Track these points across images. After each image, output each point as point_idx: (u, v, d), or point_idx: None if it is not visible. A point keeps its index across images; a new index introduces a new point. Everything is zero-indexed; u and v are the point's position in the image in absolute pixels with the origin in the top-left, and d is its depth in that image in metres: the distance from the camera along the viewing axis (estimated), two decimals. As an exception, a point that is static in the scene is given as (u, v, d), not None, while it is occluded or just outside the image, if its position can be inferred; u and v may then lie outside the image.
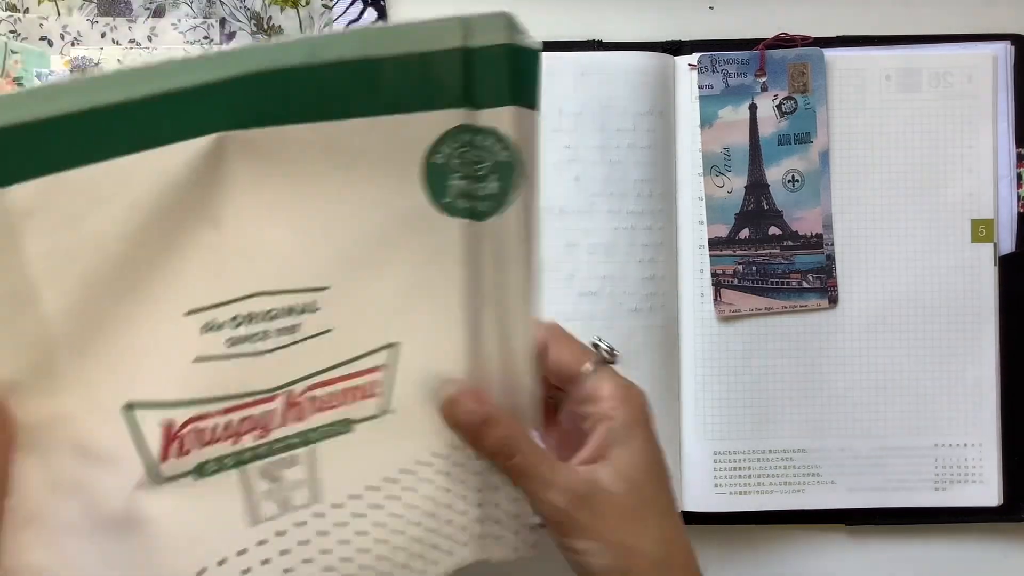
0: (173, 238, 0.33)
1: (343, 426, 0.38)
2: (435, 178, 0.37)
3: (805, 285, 0.59)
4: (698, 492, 0.59)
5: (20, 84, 0.56)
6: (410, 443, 0.40)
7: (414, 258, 0.37)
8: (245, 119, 0.33)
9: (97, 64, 0.56)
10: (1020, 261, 0.59)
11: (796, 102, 0.59)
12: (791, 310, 0.59)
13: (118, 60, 0.56)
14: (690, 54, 0.59)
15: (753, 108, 0.59)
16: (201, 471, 0.36)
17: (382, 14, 0.60)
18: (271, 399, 0.36)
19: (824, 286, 0.59)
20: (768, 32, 0.59)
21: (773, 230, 0.59)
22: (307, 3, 0.58)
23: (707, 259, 0.59)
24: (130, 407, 0.34)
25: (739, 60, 0.59)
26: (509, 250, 0.38)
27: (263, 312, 0.35)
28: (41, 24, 0.57)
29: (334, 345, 0.37)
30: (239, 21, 0.58)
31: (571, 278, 0.58)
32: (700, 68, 0.59)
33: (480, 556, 0.42)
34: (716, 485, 0.59)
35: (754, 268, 0.59)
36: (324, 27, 0.60)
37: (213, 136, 0.32)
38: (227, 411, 0.35)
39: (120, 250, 0.32)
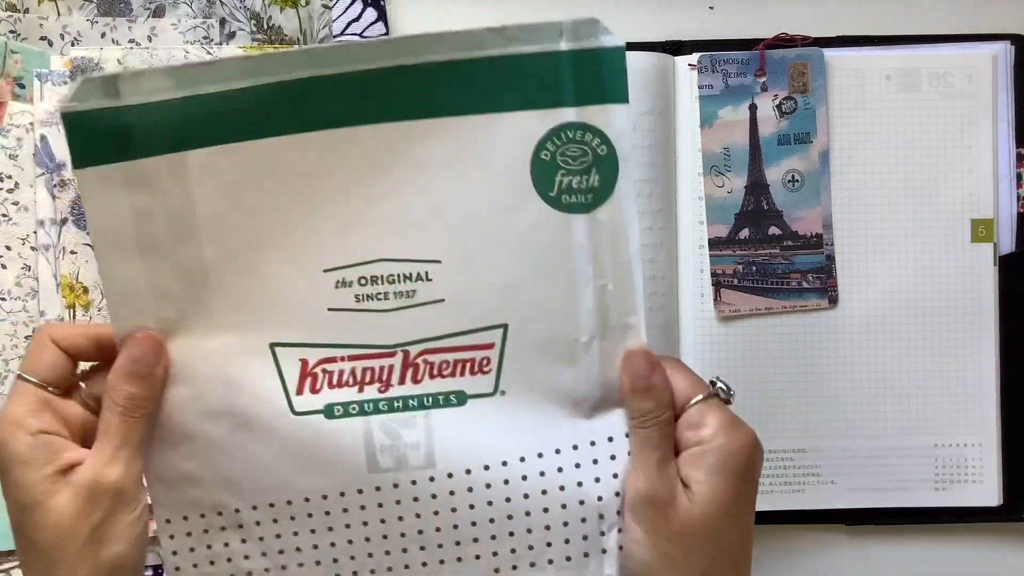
0: (317, 208, 0.41)
1: (458, 397, 0.43)
2: (542, 173, 0.41)
3: (805, 285, 0.59)
4: (698, 492, 0.59)
5: (20, 84, 0.56)
6: (520, 432, 0.43)
7: (522, 247, 0.42)
8: (395, 112, 0.40)
9: (97, 64, 0.56)
10: (1020, 261, 0.59)
11: (796, 102, 0.59)
12: (791, 310, 0.59)
13: (118, 60, 0.56)
14: (690, 54, 0.59)
15: (753, 108, 0.59)
16: (330, 412, 0.42)
17: (382, 14, 0.60)
18: (390, 355, 0.42)
19: (824, 286, 0.59)
20: (768, 32, 0.59)
21: (773, 230, 0.59)
22: (307, 3, 0.58)
23: (707, 259, 0.59)
24: (274, 346, 0.41)
25: (739, 60, 0.59)
26: (612, 241, 0.42)
27: (384, 276, 0.41)
28: (41, 24, 0.57)
29: (445, 315, 0.42)
30: (239, 21, 0.58)
31: (571, 278, 0.58)
32: (700, 68, 0.59)
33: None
34: (716, 485, 0.59)
35: (754, 268, 0.59)
36: (323, 27, 0.60)
37: (363, 127, 0.40)
38: (352, 358, 0.42)
39: (272, 215, 0.40)
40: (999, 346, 0.59)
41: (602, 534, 0.43)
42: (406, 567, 0.43)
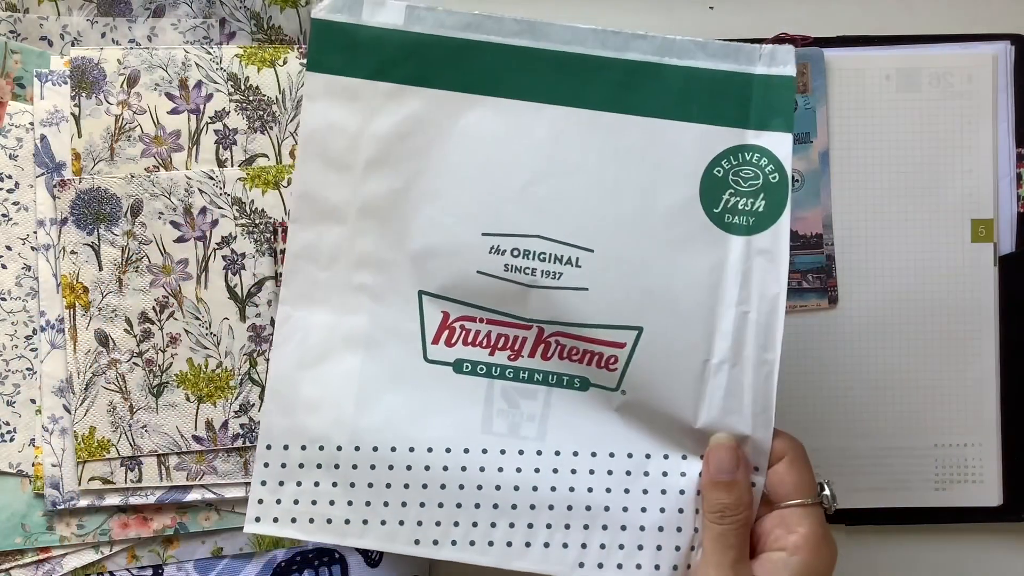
0: (492, 173, 0.43)
1: (581, 383, 0.43)
2: (711, 188, 0.42)
3: (805, 285, 0.59)
4: (698, 492, 0.59)
5: (20, 84, 0.56)
6: (634, 430, 0.43)
7: (676, 256, 0.42)
8: (588, 99, 0.42)
9: (97, 64, 0.56)
10: (1020, 261, 0.59)
11: (796, 102, 0.59)
12: (791, 310, 0.59)
13: (118, 60, 0.56)
14: (690, 54, 0.59)
15: (753, 108, 0.59)
16: (459, 367, 0.44)
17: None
18: (526, 327, 0.43)
19: (824, 286, 0.59)
20: (768, 32, 0.59)
21: (773, 230, 0.59)
22: (307, 3, 0.58)
23: (707, 259, 0.59)
24: (423, 293, 0.44)
25: (739, 60, 0.59)
26: (764, 270, 0.42)
27: (537, 252, 0.43)
28: (41, 24, 0.57)
29: (586, 304, 0.42)
30: (239, 21, 0.58)
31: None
32: (700, 68, 0.59)
33: None
34: (716, 485, 0.59)
35: (754, 268, 0.59)
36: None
37: (555, 107, 0.42)
38: (491, 322, 0.43)
39: (453, 168, 0.43)
40: (999, 346, 0.59)
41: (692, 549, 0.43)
42: (490, 544, 0.43)
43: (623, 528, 0.42)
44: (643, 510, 0.43)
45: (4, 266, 0.55)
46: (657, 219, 0.42)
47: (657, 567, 0.42)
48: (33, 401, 0.55)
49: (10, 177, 0.56)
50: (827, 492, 0.43)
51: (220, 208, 0.55)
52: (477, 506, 0.43)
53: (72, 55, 0.56)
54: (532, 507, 0.43)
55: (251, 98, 0.56)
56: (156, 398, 0.55)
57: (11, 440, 0.55)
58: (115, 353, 0.55)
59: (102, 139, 0.56)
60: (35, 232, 0.56)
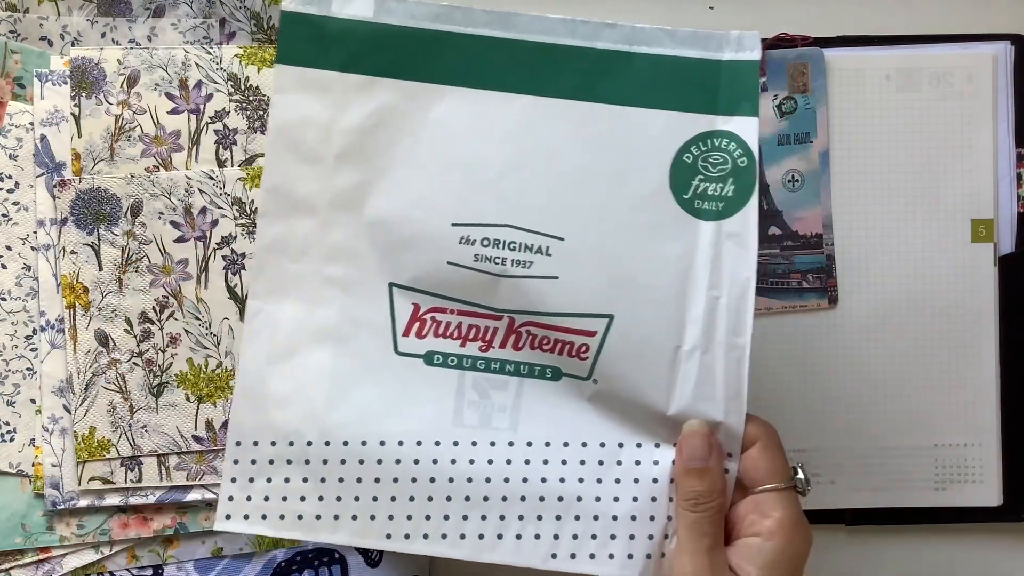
0: (461, 163, 0.43)
1: (553, 372, 0.43)
2: (680, 175, 0.42)
3: (805, 285, 0.59)
4: (698, 492, 0.59)
5: (20, 84, 0.56)
6: (606, 420, 0.43)
7: (646, 243, 0.42)
8: (556, 88, 0.42)
9: (97, 64, 0.56)
10: (1020, 261, 0.59)
11: (796, 102, 0.59)
12: (791, 310, 0.59)
13: (118, 60, 0.56)
14: (690, 54, 0.59)
15: (753, 108, 0.59)
16: (429, 359, 0.43)
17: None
18: (497, 317, 0.43)
19: (824, 286, 0.59)
20: (768, 32, 0.59)
21: (773, 230, 0.59)
22: (307, 3, 0.58)
23: (707, 259, 0.59)
24: (393, 285, 0.43)
25: (739, 60, 0.59)
26: (734, 255, 0.42)
27: (507, 242, 0.42)
28: (41, 24, 0.57)
29: (557, 293, 0.42)
30: (239, 21, 0.58)
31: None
32: (700, 68, 0.59)
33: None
34: (716, 485, 0.59)
35: (754, 268, 0.59)
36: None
37: (523, 96, 0.42)
38: (461, 313, 0.43)
39: (422, 159, 0.43)
40: (999, 346, 0.59)
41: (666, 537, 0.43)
42: (462, 536, 0.42)
43: (596, 518, 0.42)
44: (616, 499, 0.42)
45: (4, 266, 0.55)
46: (627, 206, 0.42)
47: (630, 556, 0.42)
48: (33, 401, 0.55)
49: (10, 177, 0.56)
50: (800, 476, 0.42)
51: (220, 208, 0.55)
52: (448, 499, 0.42)
53: (72, 55, 0.56)
54: (504, 499, 0.42)
55: (251, 98, 0.56)
56: (156, 398, 0.55)
57: (11, 440, 0.55)
58: (115, 353, 0.55)
59: (102, 139, 0.56)
60: (35, 232, 0.56)
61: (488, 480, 0.42)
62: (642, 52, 0.43)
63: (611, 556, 0.42)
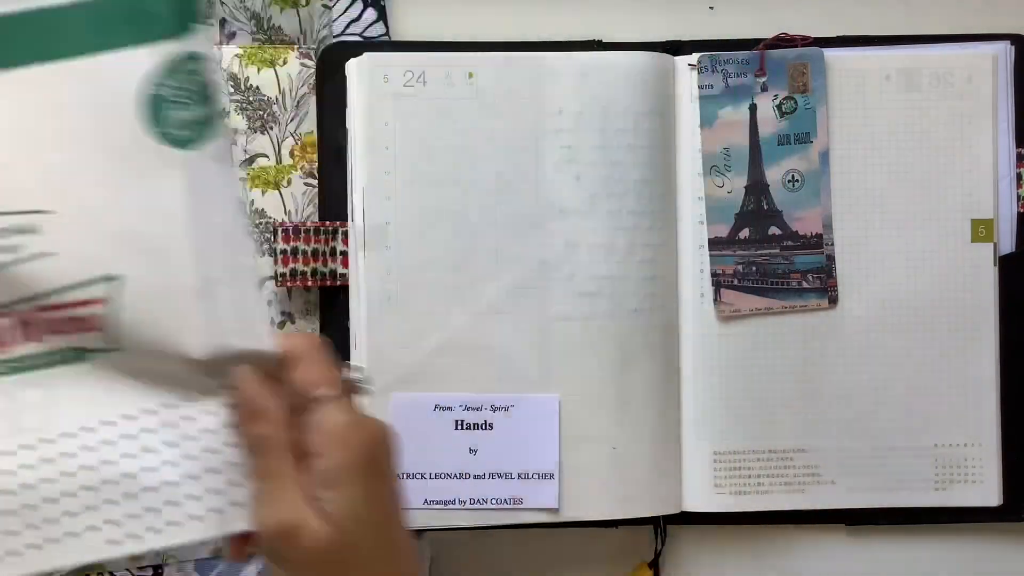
0: None
1: (77, 354, 0.40)
2: (151, 109, 0.39)
3: (805, 285, 0.59)
4: (698, 492, 0.59)
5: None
6: (144, 387, 0.40)
7: (135, 191, 0.39)
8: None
9: (97, 64, 0.56)
10: (1020, 261, 0.59)
11: (796, 102, 0.59)
12: (791, 310, 0.59)
13: (118, 60, 0.56)
14: (690, 54, 0.59)
15: (753, 108, 0.59)
16: None
17: (382, 14, 0.60)
18: (5, 315, 0.39)
19: (824, 286, 0.59)
20: (768, 32, 0.59)
21: (773, 230, 0.59)
22: (307, 3, 0.58)
23: (707, 259, 0.59)
24: None
25: (739, 60, 0.59)
26: (223, 176, 0.40)
27: None
28: (41, 24, 0.57)
29: (57, 270, 0.38)
30: (239, 21, 0.58)
31: (571, 278, 0.58)
32: (700, 68, 0.59)
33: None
34: (716, 485, 0.59)
35: (754, 268, 0.59)
36: (324, 27, 0.60)
37: None
38: None
39: None
40: (999, 346, 0.59)
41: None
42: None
43: (153, 490, 0.39)
44: (173, 464, 0.39)
45: None
46: (106, 159, 0.39)
47: (199, 518, 0.39)
48: (33, 401, 0.55)
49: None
50: (348, 375, 0.40)
51: (220, 208, 0.55)
52: None
53: (72, 55, 0.56)
54: (53, 501, 0.39)
55: (251, 98, 0.56)
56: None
57: (11, 440, 0.55)
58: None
59: (102, 139, 0.56)
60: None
61: (31, 487, 0.38)
62: (60, 5, 0.38)
63: (176, 523, 0.39)
